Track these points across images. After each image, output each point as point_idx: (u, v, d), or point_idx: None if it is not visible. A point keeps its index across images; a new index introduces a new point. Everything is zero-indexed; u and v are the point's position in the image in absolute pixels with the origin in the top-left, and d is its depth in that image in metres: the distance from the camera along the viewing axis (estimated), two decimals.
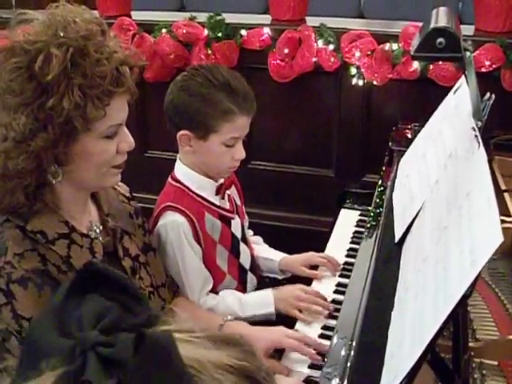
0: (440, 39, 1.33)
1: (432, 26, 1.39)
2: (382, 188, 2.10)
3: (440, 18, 1.47)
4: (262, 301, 1.76)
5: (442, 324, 1.01)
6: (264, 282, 2.02)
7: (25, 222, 1.32)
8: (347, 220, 2.22)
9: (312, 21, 2.80)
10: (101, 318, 0.60)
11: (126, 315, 0.61)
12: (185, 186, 1.83)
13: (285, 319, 1.73)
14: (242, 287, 1.93)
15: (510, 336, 1.34)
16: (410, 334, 1.13)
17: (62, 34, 1.24)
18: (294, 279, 1.85)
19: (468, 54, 1.45)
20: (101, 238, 1.46)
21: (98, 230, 1.47)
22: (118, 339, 0.57)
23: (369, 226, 1.98)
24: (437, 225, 1.31)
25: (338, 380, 1.34)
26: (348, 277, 1.82)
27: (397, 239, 1.59)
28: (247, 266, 1.96)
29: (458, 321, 1.25)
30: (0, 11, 3.53)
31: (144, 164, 3.24)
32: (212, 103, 1.71)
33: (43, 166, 1.28)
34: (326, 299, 1.75)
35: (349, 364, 1.31)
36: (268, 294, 1.77)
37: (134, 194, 3.32)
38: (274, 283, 1.98)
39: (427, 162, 1.67)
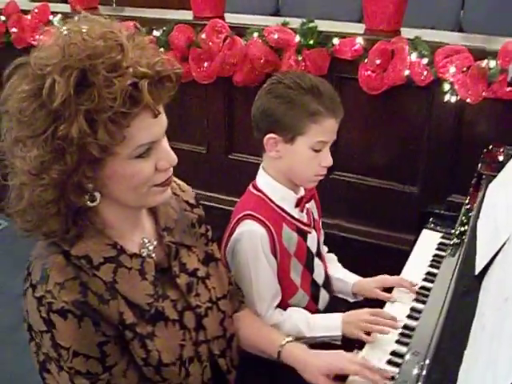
0: None
1: None
2: (467, 208, 2.02)
3: None
4: (331, 323, 1.72)
5: None
6: (336, 300, 1.99)
7: (70, 246, 1.28)
8: (428, 242, 2.14)
9: (407, 32, 2.73)
10: None
11: None
12: (266, 195, 1.82)
13: (346, 343, 1.69)
14: (314, 303, 1.91)
15: None
16: (481, 378, 1.08)
17: (67, 56, 1.16)
18: (365, 304, 1.80)
19: None
20: (154, 255, 1.40)
21: (151, 247, 1.40)
22: None
23: (450, 250, 1.90)
24: None
25: None
26: (423, 302, 1.76)
27: (477, 271, 1.52)
28: (320, 281, 1.93)
29: None
30: (102, 8, 3.66)
31: (227, 166, 3.27)
32: (299, 105, 1.70)
33: (68, 195, 1.22)
34: (395, 319, 1.69)
35: None
36: (337, 316, 1.73)
37: (215, 195, 3.35)
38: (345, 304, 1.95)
39: None
